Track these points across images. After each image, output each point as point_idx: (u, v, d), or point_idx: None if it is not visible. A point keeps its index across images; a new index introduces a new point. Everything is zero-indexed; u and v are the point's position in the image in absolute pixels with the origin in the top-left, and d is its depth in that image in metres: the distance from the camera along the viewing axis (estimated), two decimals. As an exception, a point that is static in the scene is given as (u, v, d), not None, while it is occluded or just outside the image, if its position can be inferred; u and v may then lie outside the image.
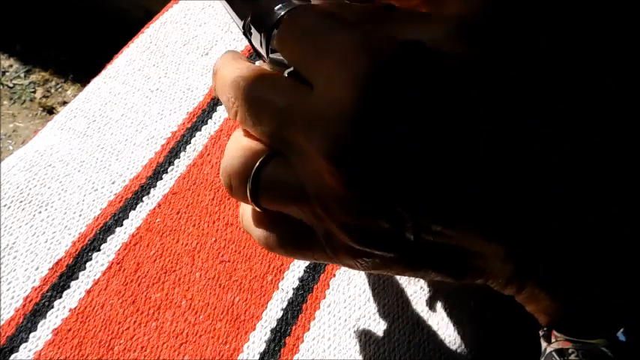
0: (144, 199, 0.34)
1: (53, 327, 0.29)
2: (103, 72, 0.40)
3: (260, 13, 0.31)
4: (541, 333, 0.23)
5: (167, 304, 0.31)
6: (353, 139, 0.18)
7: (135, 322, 0.30)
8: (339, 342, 0.31)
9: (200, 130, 0.38)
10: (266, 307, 0.31)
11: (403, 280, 0.33)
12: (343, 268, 0.33)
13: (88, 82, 0.40)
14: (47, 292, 0.30)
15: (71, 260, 0.32)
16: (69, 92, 1.36)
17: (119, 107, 0.38)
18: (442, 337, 0.31)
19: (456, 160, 0.19)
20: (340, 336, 0.31)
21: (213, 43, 0.42)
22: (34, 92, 1.36)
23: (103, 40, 0.97)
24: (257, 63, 0.34)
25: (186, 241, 0.33)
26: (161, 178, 0.35)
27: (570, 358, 0.21)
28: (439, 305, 0.32)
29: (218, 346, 0.30)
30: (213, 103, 0.39)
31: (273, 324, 0.31)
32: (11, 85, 1.37)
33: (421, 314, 0.32)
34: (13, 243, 0.32)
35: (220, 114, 0.39)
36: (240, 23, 0.34)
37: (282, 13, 0.29)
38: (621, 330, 0.21)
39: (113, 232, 0.33)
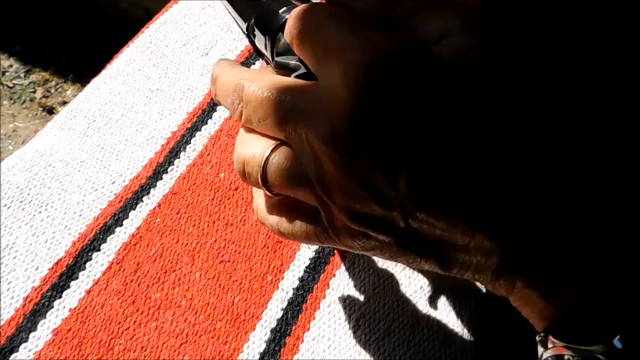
0: (144, 199, 0.34)
1: (53, 327, 0.29)
2: (103, 72, 0.40)
3: (264, 16, 0.31)
4: (538, 338, 0.23)
5: (167, 304, 0.31)
6: (350, 127, 0.19)
7: (135, 322, 0.30)
8: (339, 342, 0.31)
9: (200, 130, 0.38)
10: (266, 307, 0.31)
11: (403, 280, 0.33)
12: (343, 268, 0.33)
13: (88, 82, 0.40)
14: (47, 292, 0.30)
15: (71, 260, 0.32)
16: (69, 92, 1.36)
17: (119, 107, 0.38)
18: (442, 337, 0.31)
19: (454, 159, 0.19)
20: (340, 336, 0.31)
21: (213, 43, 0.42)
22: (34, 92, 1.36)
23: (103, 40, 0.97)
24: (258, 64, 0.34)
25: (186, 241, 0.33)
26: (161, 178, 0.35)
27: None
28: (439, 305, 0.32)
29: (218, 346, 0.30)
30: (213, 103, 0.39)
31: (273, 324, 0.31)
32: (11, 85, 1.37)
33: (421, 314, 0.32)
34: (13, 243, 0.32)
35: (220, 114, 0.39)
36: (243, 25, 0.34)
37: (287, 17, 0.29)
38: (618, 337, 0.21)
39: (113, 232, 0.33)
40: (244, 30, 0.34)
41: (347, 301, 0.32)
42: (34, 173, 0.34)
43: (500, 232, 0.20)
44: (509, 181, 0.20)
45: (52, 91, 1.37)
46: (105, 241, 0.33)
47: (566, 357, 0.21)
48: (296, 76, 0.26)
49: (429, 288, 0.33)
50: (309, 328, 0.31)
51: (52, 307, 0.30)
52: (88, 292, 0.31)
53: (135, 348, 0.29)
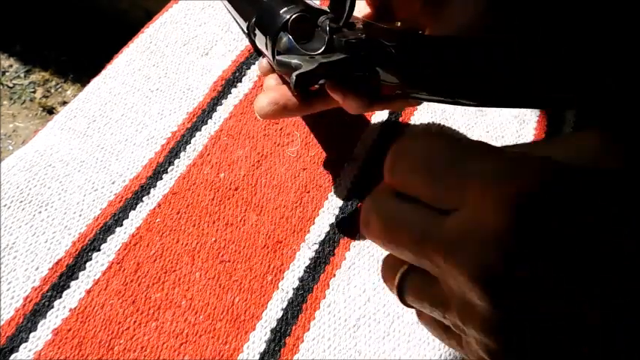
0: (144, 199, 0.34)
1: (53, 327, 0.29)
2: (103, 72, 0.40)
3: (265, 16, 0.31)
4: None
5: (167, 304, 0.31)
6: (501, 266, 0.18)
7: (135, 322, 0.30)
8: (339, 342, 0.31)
9: (200, 130, 0.38)
10: (266, 307, 0.31)
11: (403, 280, 0.33)
12: (343, 268, 0.33)
13: (88, 82, 0.40)
14: (47, 292, 0.30)
15: (71, 260, 0.32)
16: (69, 92, 1.36)
17: (119, 107, 0.38)
18: (442, 337, 0.31)
19: (602, 320, 0.18)
20: (340, 336, 0.31)
21: (213, 43, 0.42)
22: (34, 92, 1.36)
23: (103, 40, 0.97)
24: (259, 61, 0.34)
25: (186, 241, 0.33)
26: (161, 178, 0.35)
27: None
28: (439, 305, 0.32)
29: (218, 346, 0.30)
30: (213, 103, 0.39)
31: (273, 324, 0.31)
32: (11, 85, 1.37)
33: (421, 314, 0.32)
34: (13, 243, 0.32)
35: (220, 114, 0.39)
36: (244, 24, 0.34)
37: (288, 17, 0.29)
38: None
39: (113, 232, 0.33)
40: (245, 29, 0.34)
41: (347, 301, 0.32)
42: (34, 173, 0.34)
43: None
44: None
45: (52, 91, 1.37)
46: (105, 241, 0.33)
47: None
48: (297, 75, 0.26)
49: (429, 288, 0.33)
50: (309, 328, 0.31)
51: (52, 307, 0.30)
52: (88, 292, 0.31)
53: (135, 348, 0.29)
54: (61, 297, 0.30)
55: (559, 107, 0.38)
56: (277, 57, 0.30)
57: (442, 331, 0.23)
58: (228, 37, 0.43)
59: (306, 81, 0.27)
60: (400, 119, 0.40)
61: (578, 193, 0.18)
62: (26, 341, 0.29)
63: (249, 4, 0.34)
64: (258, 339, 0.30)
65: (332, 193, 0.36)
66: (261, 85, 0.41)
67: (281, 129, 0.38)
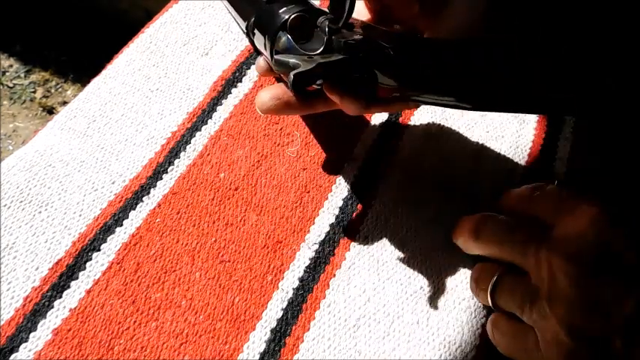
0: (144, 199, 0.34)
1: (53, 327, 0.29)
2: (103, 72, 0.40)
3: (264, 16, 0.31)
4: None
5: (167, 304, 0.31)
6: (581, 324, 0.25)
7: (135, 322, 0.30)
8: (339, 342, 0.31)
9: (200, 130, 0.38)
10: (266, 307, 0.31)
11: (403, 280, 0.33)
12: (343, 268, 0.33)
13: (88, 82, 0.40)
14: (47, 292, 0.30)
15: (71, 260, 0.32)
16: (69, 92, 1.36)
17: (119, 107, 0.38)
18: (442, 337, 0.31)
19: None
20: (340, 336, 0.31)
21: (213, 43, 0.42)
22: (34, 92, 1.36)
23: (103, 40, 0.97)
24: (258, 60, 0.34)
25: (186, 241, 0.33)
26: (161, 178, 0.35)
27: None
28: (439, 305, 0.32)
29: (218, 346, 0.30)
30: (213, 103, 0.39)
31: (273, 324, 0.31)
32: (11, 85, 1.37)
33: (421, 314, 0.32)
34: (13, 243, 0.32)
35: (220, 114, 0.39)
36: (243, 24, 0.34)
37: (287, 17, 0.29)
38: None
39: (113, 232, 0.33)
40: (244, 29, 0.34)
41: (347, 301, 0.32)
42: (34, 173, 0.34)
43: None
44: None
45: (52, 91, 1.37)
46: (105, 241, 0.33)
47: None
48: (295, 74, 0.26)
49: (429, 288, 0.33)
50: (309, 328, 0.31)
51: (52, 307, 0.30)
52: (88, 292, 0.31)
53: (135, 348, 0.29)
54: (61, 297, 0.30)
55: (559, 112, 0.38)
56: (275, 56, 0.30)
57: (511, 337, 0.29)
58: (228, 37, 0.43)
59: (304, 81, 0.27)
60: (400, 120, 0.40)
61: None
62: (26, 341, 0.29)
63: (248, 4, 0.34)
64: (258, 339, 0.30)
65: (332, 193, 0.36)
66: (262, 85, 0.41)
67: (281, 129, 0.38)
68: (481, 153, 0.39)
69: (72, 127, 0.37)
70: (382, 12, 0.32)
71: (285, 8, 0.30)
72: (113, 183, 0.35)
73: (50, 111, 1.33)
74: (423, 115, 0.40)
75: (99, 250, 0.32)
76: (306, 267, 0.33)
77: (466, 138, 0.39)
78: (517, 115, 0.41)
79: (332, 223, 0.35)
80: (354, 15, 0.28)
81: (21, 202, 0.33)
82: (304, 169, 0.37)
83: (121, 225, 0.33)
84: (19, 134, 1.28)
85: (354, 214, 0.35)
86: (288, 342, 0.30)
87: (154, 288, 0.31)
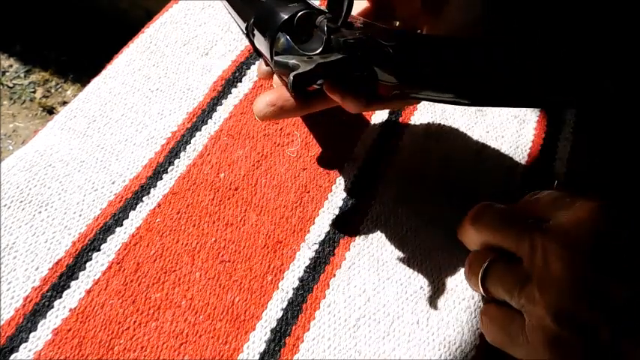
0: (144, 199, 0.34)
1: (53, 327, 0.29)
2: (103, 72, 0.40)
3: (263, 16, 0.31)
4: None
5: (167, 304, 0.31)
6: (570, 310, 0.25)
7: (135, 322, 0.30)
8: (339, 342, 0.31)
9: (200, 130, 0.38)
10: (266, 307, 0.31)
11: (403, 280, 0.33)
12: (343, 268, 0.33)
13: (88, 82, 0.40)
14: (47, 292, 0.30)
15: (71, 260, 0.32)
16: (69, 92, 1.36)
17: (119, 107, 0.38)
18: (442, 337, 0.31)
19: None
20: (340, 336, 0.31)
21: (213, 43, 0.42)
22: (34, 92, 1.36)
23: (103, 40, 0.97)
24: (260, 64, 0.34)
25: (186, 241, 0.33)
26: (161, 178, 0.35)
27: None
28: (439, 305, 0.32)
29: (218, 346, 0.30)
30: (213, 103, 0.39)
31: (273, 324, 0.31)
32: (11, 85, 1.37)
33: (421, 314, 0.32)
34: (13, 243, 0.32)
35: (220, 114, 0.39)
36: (243, 25, 0.34)
37: (286, 17, 0.29)
38: None
39: (113, 232, 0.33)
40: (244, 30, 0.34)
41: (347, 301, 0.32)
42: (34, 173, 0.34)
43: None
44: None
45: (52, 91, 1.37)
46: (105, 241, 0.33)
47: None
48: (294, 75, 0.26)
49: (429, 288, 0.33)
50: (309, 328, 0.31)
51: (52, 307, 0.30)
52: (88, 292, 0.31)
53: (135, 348, 0.29)
54: (61, 297, 0.30)
55: (558, 107, 0.38)
56: (275, 57, 0.30)
57: (498, 322, 0.29)
58: (228, 37, 0.43)
59: (304, 81, 0.27)
60: (400, 119, 0.40)
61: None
62: (26, 341, 0.29)
63: (247, 5, 0.34)
64: (258, 339, 0.30)
65: (332, 193, 0.36)
66: (261, 86, 0.41)
67: (281, 129, 0.39)
68: (481, 153, 0.39)
69: (72, 127, 0.37)
70: (383, 7, 0.32)
71: (285, 8, 0.30)
72: (113, 183, 0.35)
73: (50, 111, 1.33)
74: (423, 114, 0.40)
75: (99, 250, 0.32)
76: (306, 267, 0.33)
77: (466, 138, 0.39)
78: (517, 115, 0.41)
79: (332, 223, 0.35)
80: (353, 11, 0.28)
81: (21, 202, 0.33)
82: (304, 169, 0.37)
83: (121, 225, 0.33)
84: (19, 134, 1.28)
85: (354, 214, 0.35)
86: (288, 342, 0.30)
87: (154, 288, 0.31)
